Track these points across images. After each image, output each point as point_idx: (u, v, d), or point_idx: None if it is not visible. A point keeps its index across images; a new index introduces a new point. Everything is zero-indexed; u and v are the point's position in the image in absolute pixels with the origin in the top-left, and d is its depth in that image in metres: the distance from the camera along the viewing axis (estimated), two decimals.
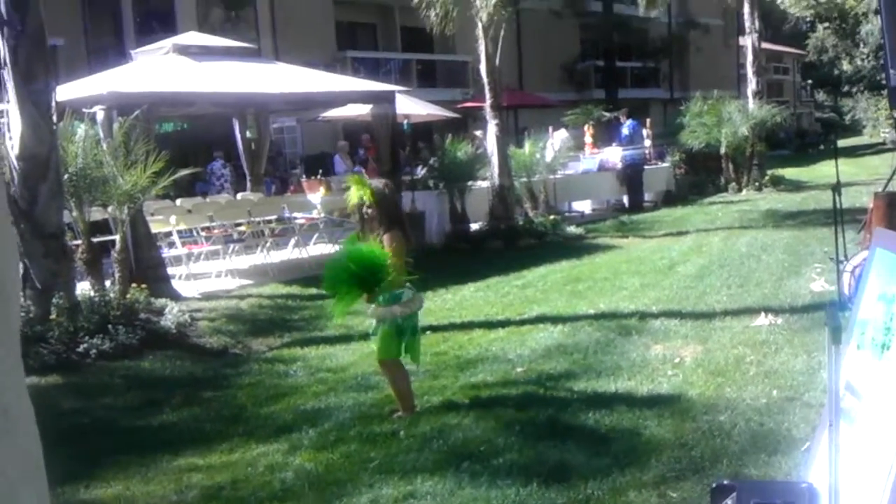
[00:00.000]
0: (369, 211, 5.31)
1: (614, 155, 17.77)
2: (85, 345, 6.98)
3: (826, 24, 45.14)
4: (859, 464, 2.94)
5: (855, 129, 50.79)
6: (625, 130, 17.90)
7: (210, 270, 11.04)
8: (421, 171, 15.26)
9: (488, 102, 13.76)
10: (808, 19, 44.23)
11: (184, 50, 11.93)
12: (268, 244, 11.58)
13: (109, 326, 7.36)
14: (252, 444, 5.10)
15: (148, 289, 8.36)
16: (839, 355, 2.77)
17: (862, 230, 8.85)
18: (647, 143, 19.27)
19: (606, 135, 20.83)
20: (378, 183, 5.71)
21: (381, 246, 5.16)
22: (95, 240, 9.18)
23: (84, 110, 9.04)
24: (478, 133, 16.39)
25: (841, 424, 2.81)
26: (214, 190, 16.09)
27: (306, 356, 7.32)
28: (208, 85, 11.02)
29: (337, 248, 11.81)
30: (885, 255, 3.36)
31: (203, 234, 11.57)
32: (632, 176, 17.34)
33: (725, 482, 2.90)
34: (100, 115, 9.25)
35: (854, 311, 3.55)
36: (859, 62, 41.31)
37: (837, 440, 2.66)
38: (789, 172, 22.04)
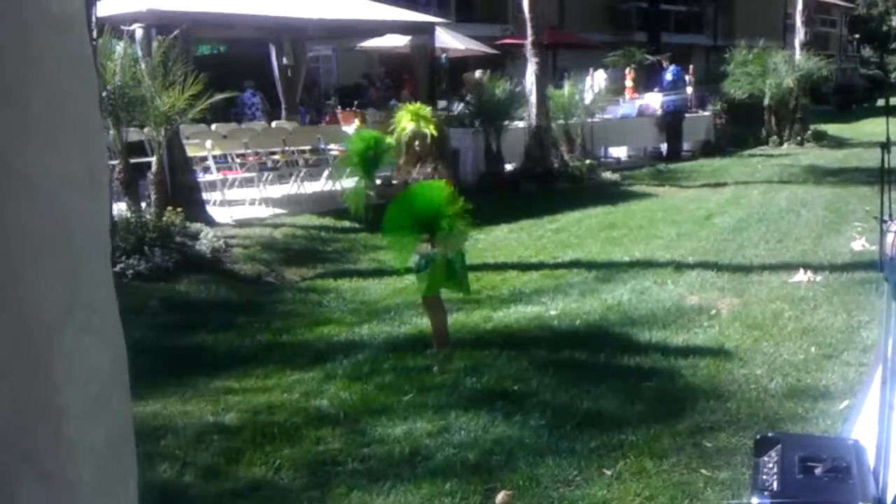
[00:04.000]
0: (420, 145, 5.18)
1: (655, 101, 17.41)
2: (121, 264, 7.01)
3: None
4: None
5: None
6: (668, 76, 17.49)
7: (244, 197, 11.04)
8: (457, 108, 15.06)
9: (529, 40, 13.45)
10: None
11: None
12: (301, 174, 11.55)
13: (145, 248, 7.40)
14: (287, 371, 5.14)
15: (183, 212, 8.36)
16: None
17: None
18: (689, 90, 18.84)
19: (647, 80, 20.40)
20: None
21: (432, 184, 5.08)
22: (132, 161, 9.19)
23: (123, 27, 8.94)
24: (477, 74, 15.95)
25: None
26: (246, 118, 16.00)
27: (339, 288, 7.34)
28: (248, 7, 10.87)
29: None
30: None
31: (238, 160, 11.55)
32: (672, 123, 17.00)
33: (770, 434, 2.86)
34: (139, 34, 9.14)
35: None
36: None
37: (891, 399, 2.61)
38: (832, 128, 21.53)
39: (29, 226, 1.04)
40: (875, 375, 3.21)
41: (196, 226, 8.42)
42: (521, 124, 13.96)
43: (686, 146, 17.78)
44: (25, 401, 1.04)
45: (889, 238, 7.91)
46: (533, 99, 13.51)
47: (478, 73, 15.81)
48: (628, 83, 18.82)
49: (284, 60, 14.28)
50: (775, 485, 2.66)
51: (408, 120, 5.18)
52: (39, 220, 1.04)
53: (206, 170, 10.93)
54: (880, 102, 36.10)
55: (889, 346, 2.70)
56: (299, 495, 3.61)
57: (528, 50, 13.55)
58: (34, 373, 1.05)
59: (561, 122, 14.86)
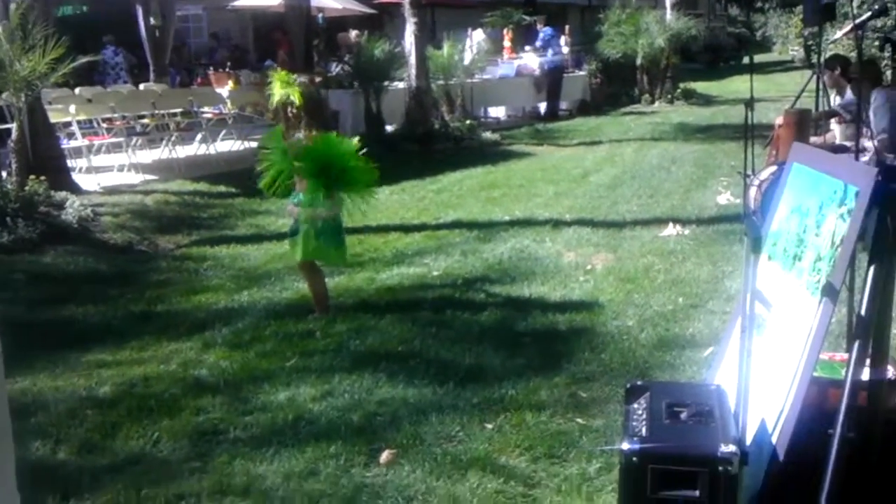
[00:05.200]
0: (294, 111, 5.18)
1: (532, 61, 17.64)
2: None
3: None
4: (765, 369, 3.08)
5: (765, 45, 51.74)
6: (540, 36, 17.76)
7: (112, 164, 10.59)
8: (335, 69, 14.84)
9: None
10: None
11: None
12: (173, 138, 11.15)
13: (7, 219, 7.04)
14: (164, 342, 5.00)
15: (47, 181, 7.97)
16: (756, 265, 2.86)
17: (768, 145, 9.10)
18: (566, 49, 19.16)
19: (525, 40, 20.62)
20: (305, 80, 5.55)
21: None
22: None
23: None
24: (352, 35, 15.77)
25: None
26: (110, 80, 15.24)
27: (216, 255, 7.17)
28: None
29: (246, 144, 11.52)
30: (802, 170, 3.45)
31: (104, 125, 11.04)
32: (552, 83, 17.29)
33: (639, 383, 2.99)
34: None
35: (766, 223, 3.67)
36: None
37: (750, 346, 2.77)
38: (700, 86, 22.38)
39: None
40: (736, 324, 3.40)
41: (61, 194, 8.04)
42: (401, 85, 13.90)
43: (563, 105, 18.13)
44: None
45: (752, 192, 8.30)
46: (412, 59, 13.44)
47: (353, 34, 15.60)
48: (506, 43, 18.97)
49: (151, 20, 13.65)
50: (644, 430, 2.79)
51: (279, 87, 5.19)
52: None
53: (71, 136, 10.40)
54: (746, 60, 37.65)
55: (748, 295, 2.87)
56: (180, 466, 3.54)
57: (407, 10, 13.45)
58: None
59: (441, 82, 14.87)
